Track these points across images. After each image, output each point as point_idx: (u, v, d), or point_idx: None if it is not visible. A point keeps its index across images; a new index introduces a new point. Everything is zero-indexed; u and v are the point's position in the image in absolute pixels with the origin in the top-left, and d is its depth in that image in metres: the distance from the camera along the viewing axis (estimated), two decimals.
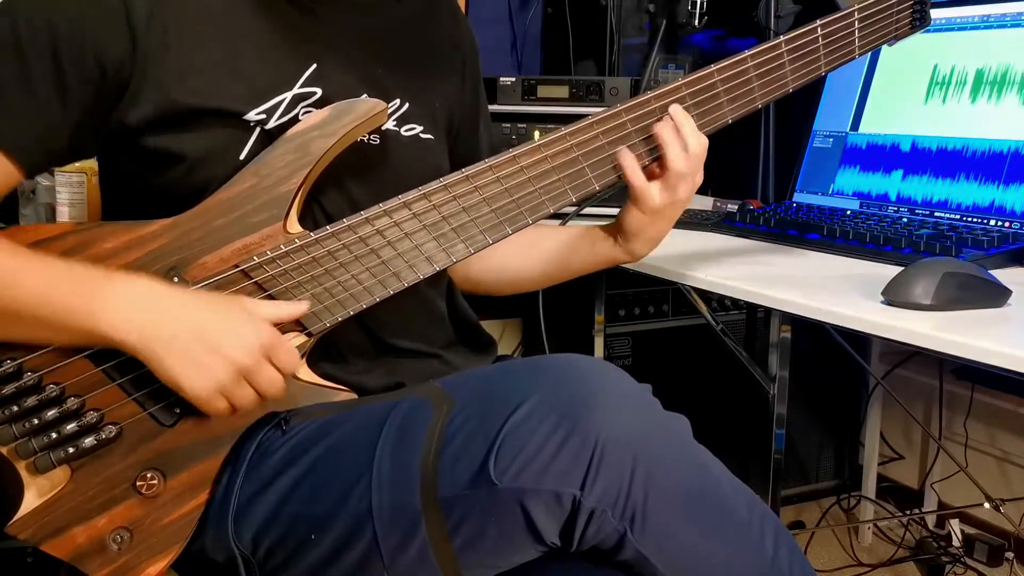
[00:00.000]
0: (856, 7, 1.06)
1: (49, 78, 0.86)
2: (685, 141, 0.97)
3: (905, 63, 1.48)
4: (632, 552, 0.76)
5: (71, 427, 0.84)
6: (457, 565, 0.78)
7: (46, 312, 0.82)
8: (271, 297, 0.90)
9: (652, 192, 0.99)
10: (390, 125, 1.01)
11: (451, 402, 0.81)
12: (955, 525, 2.03)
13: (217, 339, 0.83)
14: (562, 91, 1.77)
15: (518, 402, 0.75)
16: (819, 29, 1.05)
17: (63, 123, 0.88)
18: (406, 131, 1.03)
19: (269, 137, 0.92)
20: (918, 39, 1.48)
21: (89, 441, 0.84)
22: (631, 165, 0.98)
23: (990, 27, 1.38)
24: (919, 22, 1.11)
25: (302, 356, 0.91)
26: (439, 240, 0.95)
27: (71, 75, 0.87)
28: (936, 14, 1.45)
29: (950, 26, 1.43)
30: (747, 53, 1.03)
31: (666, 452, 0.77)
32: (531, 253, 1.15)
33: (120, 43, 0.87)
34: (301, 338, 0.91)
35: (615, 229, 1.07)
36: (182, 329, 0.83)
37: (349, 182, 0.97)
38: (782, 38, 1.04)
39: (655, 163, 1.00)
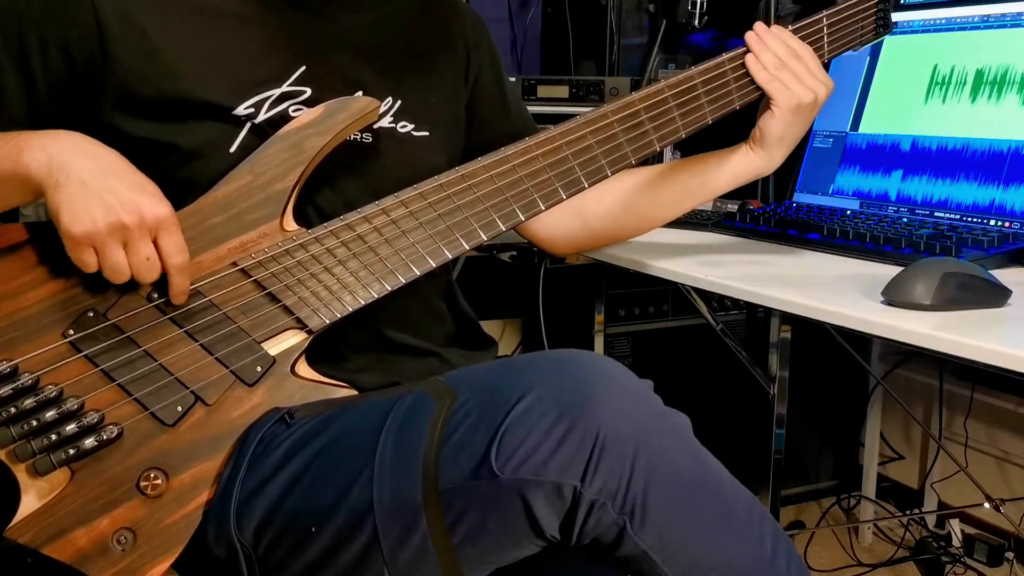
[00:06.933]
0: (824, 13, 1.12)
1: (12, 67, 0.88)
2: (789, 43, 1.06)
3: (905, 63, 1.48)
4: (632, 546, 0.76)
5: (71, 428, 0.83)
6: (456, 560, 0.78)
7: None
8: (271, 296, 0.90)
9: (789, 90, 1.05)
10: (384, 123, 1.01)
11: (454, 395, 0.80)
12: (955, 525, 2.03)
13: (116, 187, 0.82)
14: (562, 91, 1.78)
15: (520, 395, 0.75)
16: None
17: (25, 112, 0.90)
18: (400, 128, 1.03)
19: (259, 131, 0.92)
20: (918, 39, 1.48)
21: (90, 442, 0.83)
22: (757, 67, 1.05)
23: (990, 27, 1.38)
24: (883, 28, 1.16)
25: (299, 355, 0.91)
26: (436, 237, 0.95)
27: (36, 66, 0.89)
28: (936, 14, 1.45)
29: (950, 26, 1.43)
30: (725, 56, 1.07)
31: (667, 446, 0.77)
32: (660, 187, 1.16)
33: (86, 37, 0.89)
34: (300, 335, 0.91)
35: (751, 141, 1.10)
36: (90, 166, 0.82)
37: (343, 180, 0.97)
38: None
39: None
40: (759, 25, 1.08)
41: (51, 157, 0.82)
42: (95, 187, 0.81)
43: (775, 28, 1.07)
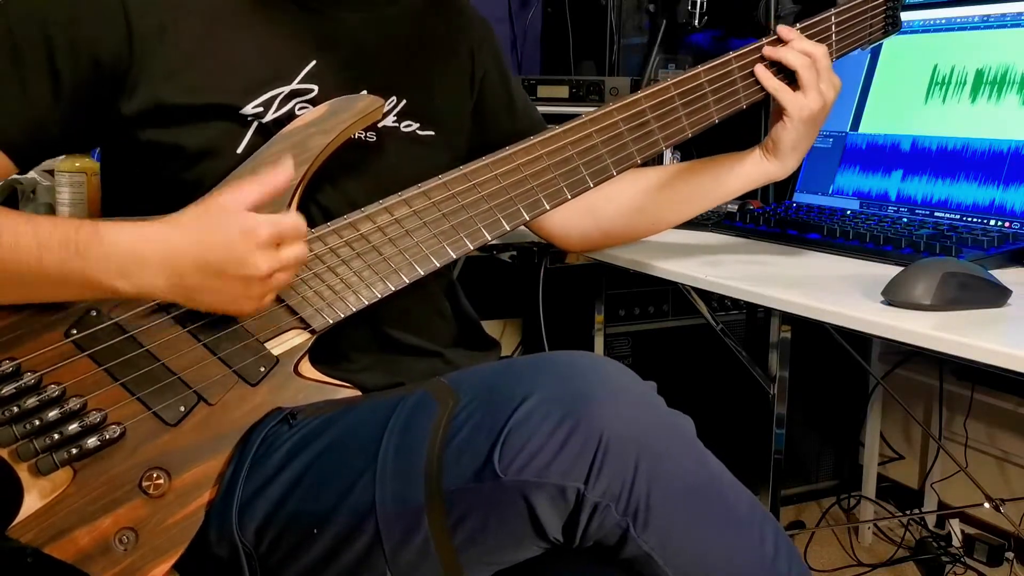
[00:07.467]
0: (832, 12, 1.11)
1: (42, 73, 0.87)
2: (804, 48, 1.06)
3: (905, 63, 1.48)
4: (634, 548, 0.76)
5: (73, 427, 0.83)
6: (458, 561, 0.78)
7: (37, 271, 0.80)
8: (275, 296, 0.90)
9: (800, 99, 1.06)
10: (387, 122, 1.01)
11: (456, 397, 0.81)
12: (955, 525, 2.03)
13: (229, 268, 0.81)
14: (562, 91, 1.78)
15: (523, 397, 0.75)
16: None
17: (55, 118, 0.89)
18: (404, 127, 1.03)
19: (266, 131, 0.92)
20: (918, 39, 1.48)
21: (92, 441, 0.83)
22: (767, 76, 1.06)
23: (990, 27, 1.38)
24: (891, 26, 1.16)
25: (303, 354, 0.91)
26: (440, 237, 0.95)
27: (65, 71, 0.88)
28: (936, 14, 1.45)
29: (950, 26, 1.43)
30: (732, 55, 1.07)
31: (669, 448, 0.77)
32: (673, 188, 1.17)
33: (116, 39, 0.88)
34: (303, 335, 0.91)
35: (765, 150, 1.11)
36: (188, 273, 0.81)
37: (346, 179, 0.97)
38: (764, 40, 1.08)
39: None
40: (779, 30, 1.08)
41: (152, 287, 0.82)
42: (220, 284, 0.82)
43: (789, 36, 1.07)
